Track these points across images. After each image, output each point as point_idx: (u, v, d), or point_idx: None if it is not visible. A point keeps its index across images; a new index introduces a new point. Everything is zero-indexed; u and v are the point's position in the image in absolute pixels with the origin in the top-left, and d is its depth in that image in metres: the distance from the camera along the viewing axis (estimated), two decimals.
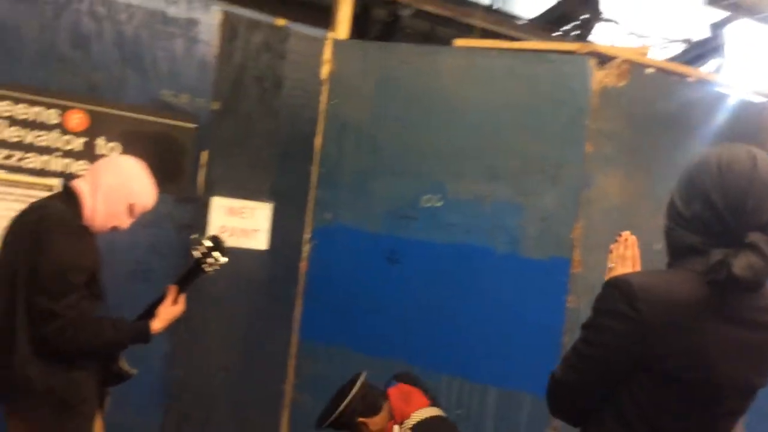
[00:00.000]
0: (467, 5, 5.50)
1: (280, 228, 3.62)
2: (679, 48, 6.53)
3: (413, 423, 2.47)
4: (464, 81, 3.46)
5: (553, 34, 6.19)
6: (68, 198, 2.35)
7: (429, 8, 5.28)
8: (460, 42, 3.64)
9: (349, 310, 3.54)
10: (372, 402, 2.59)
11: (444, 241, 3.42)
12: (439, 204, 3.43)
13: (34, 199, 2.52)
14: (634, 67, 3.26)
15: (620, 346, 1.41)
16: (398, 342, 3.44)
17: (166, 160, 3.32)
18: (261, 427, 3.66)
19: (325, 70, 3.66)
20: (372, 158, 3.57)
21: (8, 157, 3.00)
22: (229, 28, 3.45)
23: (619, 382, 1.44)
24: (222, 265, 2.45)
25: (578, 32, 6.24)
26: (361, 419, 2.56)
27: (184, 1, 3.34)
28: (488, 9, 5.81)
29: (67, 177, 3.05)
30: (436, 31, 5.60)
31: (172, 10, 3.31)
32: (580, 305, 3.10)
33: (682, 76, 3.46)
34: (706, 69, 6.14)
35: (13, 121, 3.00)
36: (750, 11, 5.81)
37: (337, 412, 2.53)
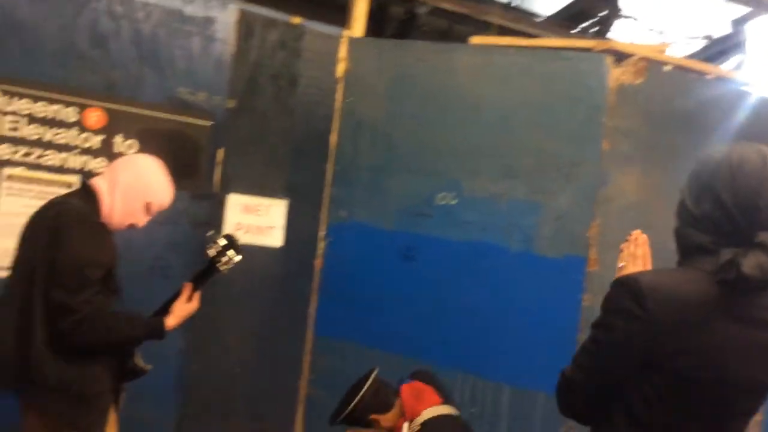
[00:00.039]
0: (485, 2, 5.48)
1: (295, 225, 3.64)
2: (699, 45, 6.46)
3: (423, 420, 2.47)
4: (480, 78, 3.45)
5: (572, 32, 6.15)
6: (87, 195, 2.38)
7: (446, 5, 5.27)
8: (476, 39, 3.63)
9: (364, 307, 3.56)
10: (384, 398, 2.60)
11: (459, 238, 3.42)
12: (454, 202, 3.43)
13: (52, 196, 2.56)
14: (652, 65, 3.24)
15: (629, 345, 1.41)
16: (412, 339, 3.45)
17: (183, 157, 3.34)
18: (276, 422, 3.69)
19: (340, 68, 3.67)
20: (387, 156, 3.58)
21: (27, 154, 3.04)
22: (246, 26, 3.47)
23: (628, 381, 1.43)
24: (236, 264, 2.46)
25: (597, 29, 6.19)
26: (373, 415, 2.57)
27: (201, 0, 3.36)
28: (506, 6, 5.79)
29: (86, 174, 3.08)
30: (453, 29, 5.59)
31: (189, 9, 3.33)
32: (595, 304, 3.07)
33: (701, 73, 3.43)
34: (727, 66, 6.07)
35: (32, 119, 3.04)
36: None
37: (349, 408, 2.55)
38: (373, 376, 2.64)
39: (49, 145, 3.08)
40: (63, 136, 3.11)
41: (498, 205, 3.36)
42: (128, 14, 3.20)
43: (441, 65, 3.52)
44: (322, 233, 3.68)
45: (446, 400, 2.64)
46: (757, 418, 1.55)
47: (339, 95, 3.67)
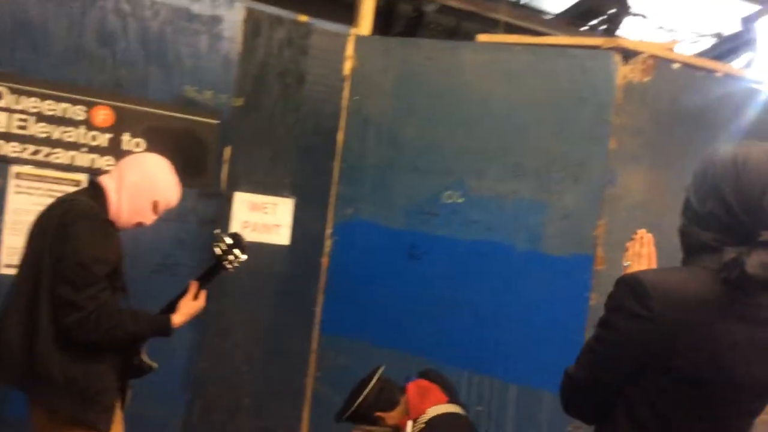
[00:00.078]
0: (493, 0, 5.47)
1: (301, 223, 3.65)
2: (709, 42, 6.43)
3: (427, 419, 2.47)
4: (487, 76, 3.44)
5: (581, 29, 6.13)
6: (94, 193, 2.40)
7: (453, 3, 5.26)
8: (483, 37, 3.62)
9: (370, 305, 3.56)
10: (389, 396, 2.60)
11: (465, 237, 3.41)
12: (460, 200, 3.43)
13: (60, 194, 2.58)
14: (660, 62, 3.22)
15: (632, 344, 1.40)
16: (418, 337, 3.45)
17: (190, 155, 3.35)
18: (283, 419, 3.70)
19: (347, 66, 3.67)
20: (394, 154, 3.58)
21: (36, 152, 3.06)
22: (252, 24, 3.47)
23: (632, 380, 1.43)
24: (242, 263, 2.48)
25: (606, 27, 6.17)
26: (378, 413, 2.58)
27: None
28: (514, 4, 5.77)
29: (93, 172, 3.09)
30: (461, 27, 5.59)
31: (196, 7, 3.34)
32: (602, 303, 3.04)
33: (710, 71, 3.41)
34: (737, 64, 6.03)
35: (40, 117, 3.06)
36: None
37: (354, 405, 2.55)
38: (378, 374, 2.65)
39: (57, 143, 3.10)
40: (71, 134, 3.12)
41: (504, 203, 3.35)
42: (135, 13, 3.21)
43: (448, 63, 3.52)
44: (328, 231, 3.69)
45: (452, 399, 2.63)
46: (764, 417, 1.53)
47: (346, 93, 3.68)
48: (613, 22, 6.16)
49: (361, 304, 3.58)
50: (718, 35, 6.37)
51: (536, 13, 6.04)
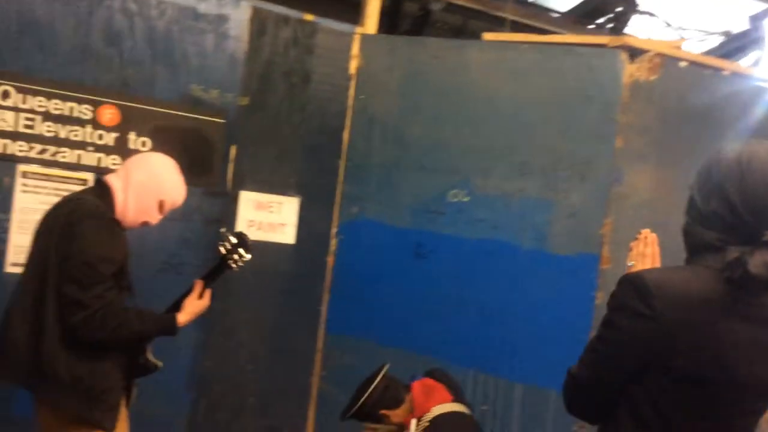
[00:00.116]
0: None
1: (307, 222, 3.65)
2: (717, 41, 6.39)
3: (432, 417, 2.47)
4: (493, 75, 3.43)
5: (588, 27, 6.10)
6: (101, 192, 2.41)
7: (460, 2, 5.24)
8: (489, 36, 3.61)
9: (376, 304, 3.56)
10: (394, 394, 2.60)
11: (471, 236, 3.41)
12: (466, 199, 3.42)
13: (67, 193, 2.59)
14: (667, 61, 3.20)
15: (635, 343, 1.40)
16: (424, 336, 3.44)
17: (196, 154, 3.36)
18: (288, 419, 3.71)
19: (353, 65, 3.67)
20: (399, 153, 3.57)
21: (42, 151, 3.07)
22: (258, 23, 3.48)
23: (635, 379, 1.42)
24: (246, 262, 2.48)
25: (613, 25, 6.14)
26: (383, 411, 2.58)
27: None
28: (521, 2, 5.74)
29: (100, 171, 3.10)
30: (467, 25, 5.57)
31: (203, 6, 3.34)
32: None
33: (717, 69, 3.39)
34: (745, 62, 5.99)
35: (47, 116, 3.07)
36: None
37: (359, 403, 2.56)
38: (383, 371, 2.65)
39: (63, 142, 3.11)
40: (77, 134, 3.13)
41: (510, 202, 3.35)
42: (142, 12, 3.22)
43: (454, 62, 3.51)
44: (334, 230, 3.69)
45: (457, 398, 2.63)
46: None
47: (351, 92, 3.68)
48: (621, 21, 6.13)
49: (366, 303, 3.58)
50: (726, 33, 6.33)
51: (543, 12, 6.01)
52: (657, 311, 1.36)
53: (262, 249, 3.47)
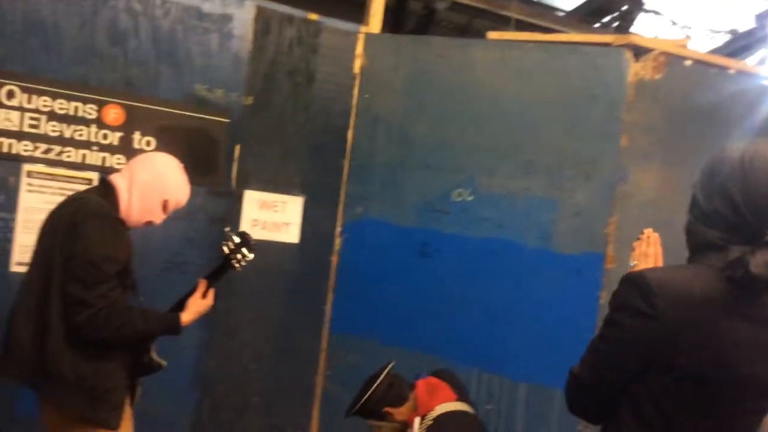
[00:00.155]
0: None
1: (311, 221, 3.65)
2: (723, 39, 6.37)
3: (435, 415, 2.47)
4: (497, 74, 3.43)
5: (594, 26, 6.09)
6: (105, 192, 2.41)
7: (465, 0, 5.24)
8: (493, 35, 3.61)
9: (380, 304, 3.56)
10: (398, 392, 2.61)
11: (476, 235, 3.40)
12: (470, 198, 3.42)
13: (72, 192, 2.59)
14: (672, 59, 3.19)
15: (637, 342, 1.39)
16: (428, 335, 3.44)
17: (200, 154, 3.37)
18: (292, 418, 3.71)
19: (357, 64, 3.67)
20: (403, 152, 3.57)
21: (47, 151, 3.08)
22: (263, 22, 3.48)
23: (637, 378, 1.41)
24: (250, 262, 2.49)
25: (618, 24, 6.13)
26: (386, 408, 2.59)
27: None
28: (526, 0, 5.74)
29: (105, 171, 3.11)
30: (472, 24, 5.57)
31: (207, 6, 3.35)
32: None
33: (722, 68, 3.37)
34: (751, 61, 5.97)
35: (52, 116, 3.08)
36: None
37: (363, 399, 2.56)
38: (387, 369, 2.66)
39: (68, 142, 3.12)
40: (82, 133, 3.14)
41: (515, 201, 3.34)
42: (146, 12, 3.22)
43: (458, 61, 3.50)
44: (338, 230, 3.69)
45: (461, 397, 2.63)
46: None
47: (356, 91, 3.67)
48: (626, 19, 6.12)
49: (371, 303, 3.58)
50: (732, 32, 6.31)
51: (548, 10, 6.01)
52: (659, 310, 1.36)
53: (266, 248, 3.47)
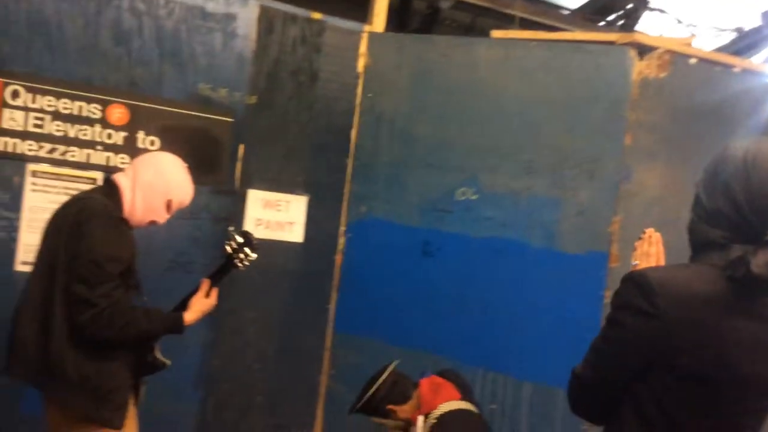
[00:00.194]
0: None
1: (315, 221, 3.65)
2: (729, 37, 6.34)
3: (439, 414, 2.47)
4: (501, 73, 3.42)
5: (598, 25, 6.07)
6: (109, 191, 2.42)
7: None
8: (497, 33, 3.60)
9: (384, 303, 3.55)
10: (402, 390, 2.62)
11: (479, 234, 3.40)
12: (474, 197, 3.41)
13: (76, 192, 2.60)
14: (677, 58, 3.18)
15: (638, 342, 1.39)
16: (432, 335, 3.44)
17: (204, 153, 3.37)
18: (296, 417, 3.71)
19: (360, 63, 3.67)
20: (407, 151, 3.57)
21: (52, 150, 3.09)
22: (266, 22, 3.48)
23: (638, 378, 1.41)
24: (252, 261, 2.49)
25: (623, 22, 6.10)
26: (390, 406, 2.59)
27: None
28: None
29: (109, 170, 3.11)
30: (476, 23, 5.55)
31: (211, 5, 3.35)
32: None
33: (727, 66, 3.36)
34: (757, 59, 5.95)
35: (56, 116, 3.09)
36: None
37: (367, 396, 2.57)
38: (391, 367, 2.66)
39: (73, 142, 3.13)
40: (86, 133, 3.15)
41: (518, 200, 3.33)
42: (150, 11, 3.23)
43: (461, 60, 3.50)
44: (342, 229, 3.69)
45: (465, 396, 2.63)
46: None
47: (359, 90, 3.67)
48: (631, 18, 6.09)
49: (375, 302, 3.58)
50: (738, 30, 6.28)
51: (553, 9, 5.98)
52: (660, 309, 1.35)
53: (270, 247, 3.48)
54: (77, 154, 3.14)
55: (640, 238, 1.72)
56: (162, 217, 2.51)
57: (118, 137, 3.21)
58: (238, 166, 3.47)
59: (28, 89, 3.02)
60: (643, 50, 3.17)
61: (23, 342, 2.28)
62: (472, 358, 3.35)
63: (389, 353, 3.10)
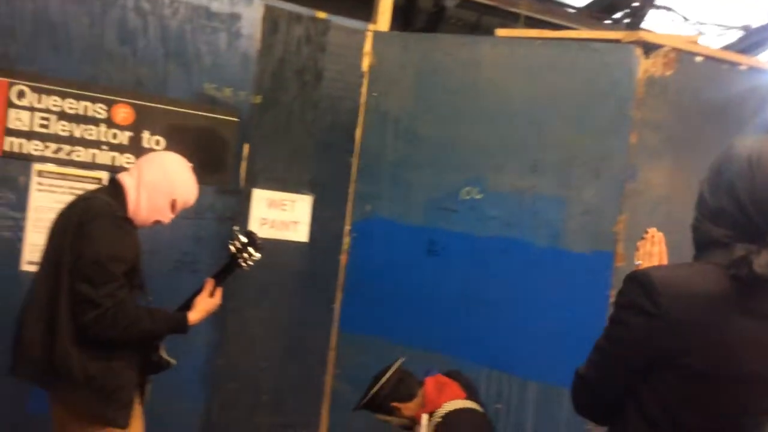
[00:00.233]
0: None
1: (320, 220, 3.66)
2: (736, 35, 6.31)
3: (445, 413, 2.47)
4: (506, 71, 3.41)
5: (605, 22, 6.05)
6: (114, 191, 2.42)
7: None
8: (502, 32, 3.59)
9: (389, 302, 3.55)
10: (407, 387, 2.63)
11: (484, 234, 3.39)
12: (478, 196, 3.40)
13: (82, 192, 2.61)
14: (682, 56, 3.16)
15: (641, 341, 1.38)
16: (437, 334, 3.43)
17: (209, 152, 3.37)
18: (302, 417, 3.71)
19: (365, 63, 3.67)
20: (412, 150, 3.56)
21: (57, 150, 3.10)
22: (271, 21, 3.48)
23: (642, 377, 1.40)
24: (256, 261, 2.49)
25: (630, 20, 6.08)
26: (394, 403, 2.59)
27: None
28: None
29: (114, 170, 3.12)
30: (482, 21, 5.54)
31: (215, 5, 3.35)
32: None
33: (734, 64, 3.34)
34: (765, 57, 5.92)
35: (62, 116, 3.09)
36: None
37: (372, 393, 2.57)
38: (397, 364, 2.67)
39: (78, 141, 3.14)
40: (92, 133, 3.16)
41: (523, 200, 3.33)
42: (155, 11, 3.23)
43: (466, 58, 3.49)
44: (347, 228, 3.69)
45: (470, 396, 2.63)
46: None
47: (364, 90, 3.67)
48: (638, 16, 6.07)
49: (379, 301, 3.58)
50: (745, 28, 6.25)
51: (558, 7, 5.97)
52: (663, 308, 1.35)
53: (275, 247, 3.48)
54: (83, 154, 3.15)
55: (642, 238, 1.72)
56: (166, 216, 2.51)
57: (124, 137, 3.22)
58: (243, 165, 3.47)
59: (34, 89, 3.03)
60: (649, 48, 3.15)
61: (29, 342, 2.29)
62: (476, 358, 3.34)
63: (394, 352, 3.10)
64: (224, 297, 2.53)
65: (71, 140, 3.12)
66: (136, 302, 2.35)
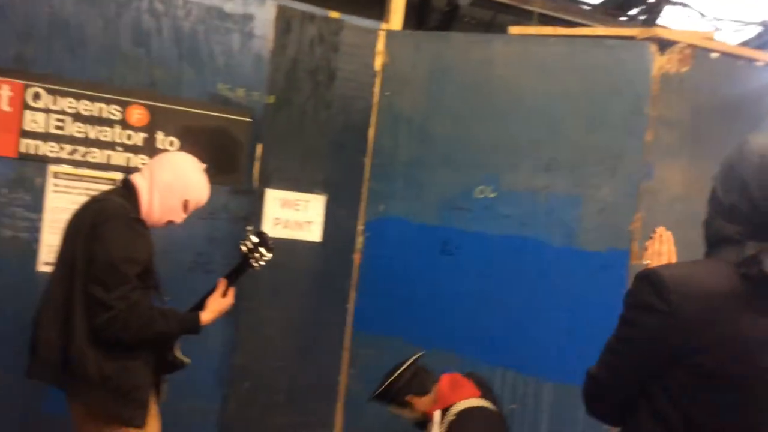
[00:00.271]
0: None
1: (333, 220, 3.65)
2: (753, 31, 6.23)
3: (459, 410, 2.47)
4: (519, 70, 3.39)
5: (620, 19, 6.00)
6: (127, 192, 2.43)
7: None
8: (515, 30, 3.57)
9: (403, 302, 3.54)
10: (422, 382, 2.64)
11: (498, 233, 3.38)
12: (492, 195, 3.39)
13: (97, 193, 2.62)
14: (698, 52, 3.13)
15: (652, 340, 1.37)
16: (452, 334, 3.42)
17: (222, 153, 3.39)
18: (316, 415, 3.72)
19: (378, 62, 3.66)
20: (425, 149, 3.55)
21: (73, 152, 3.12)
22: (284, 21, 3.48)
23: (654, 377, 1.39)
24: (267, 261, 2.50)
25: (645, 16, 6.03)
26: (408, 397, 2.60)
27: None
28: None
29: (129, 171, 3.13)
30: (496, 19, 5.52)
31: (229, 6, 3.36)
32: None
33: (750, 60, 3.30)
34: None
35: (77, 117, 3.12)
36: None
37: (386, 384, 2.58)
38: (414, 359, 2.68)
39: (93, 143, 3.16)
40: (107, 134, 3.18)
41: (538, 198, 3.31)
42: (169, 12, 3.25)
43: (479, 57, 3.48)
44: (360, 228, 3.68)
45: (485, 395, 2.63)
46: None
47: (377, 89, 3.66)
48: (653, 12, 6.02)
49: (393, 301, 3.57)
50: (763, 23, 6.17)
51: (573, 4, 5.92)
52: (674, 306, 1.33)
53: (288, 247, 3.49)
54: (98, 156, 3.17)
55: (651, 238, 1.70)
56: (179, 216, 2.52)
57: (138, 138, 3.24)
58: (257, 165, 3.48)
59: (50, 91, 3.06)
60: (664, 45, 3.13)
61: (45, 342, 2.30)
62: (491, 358, 3.33)
63: (408, 352, 3.10)
64: (238, 297, 2.54)
65: (86, 142, 3.14)
66: (151, 303, 2.36)
